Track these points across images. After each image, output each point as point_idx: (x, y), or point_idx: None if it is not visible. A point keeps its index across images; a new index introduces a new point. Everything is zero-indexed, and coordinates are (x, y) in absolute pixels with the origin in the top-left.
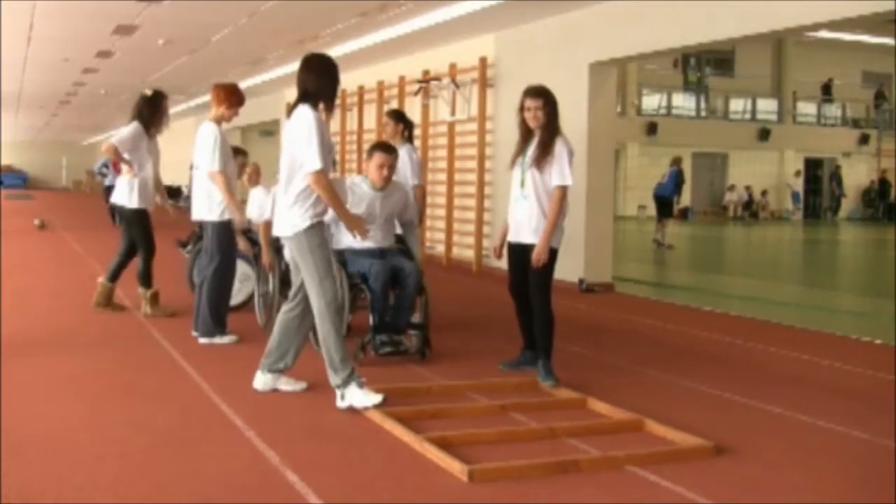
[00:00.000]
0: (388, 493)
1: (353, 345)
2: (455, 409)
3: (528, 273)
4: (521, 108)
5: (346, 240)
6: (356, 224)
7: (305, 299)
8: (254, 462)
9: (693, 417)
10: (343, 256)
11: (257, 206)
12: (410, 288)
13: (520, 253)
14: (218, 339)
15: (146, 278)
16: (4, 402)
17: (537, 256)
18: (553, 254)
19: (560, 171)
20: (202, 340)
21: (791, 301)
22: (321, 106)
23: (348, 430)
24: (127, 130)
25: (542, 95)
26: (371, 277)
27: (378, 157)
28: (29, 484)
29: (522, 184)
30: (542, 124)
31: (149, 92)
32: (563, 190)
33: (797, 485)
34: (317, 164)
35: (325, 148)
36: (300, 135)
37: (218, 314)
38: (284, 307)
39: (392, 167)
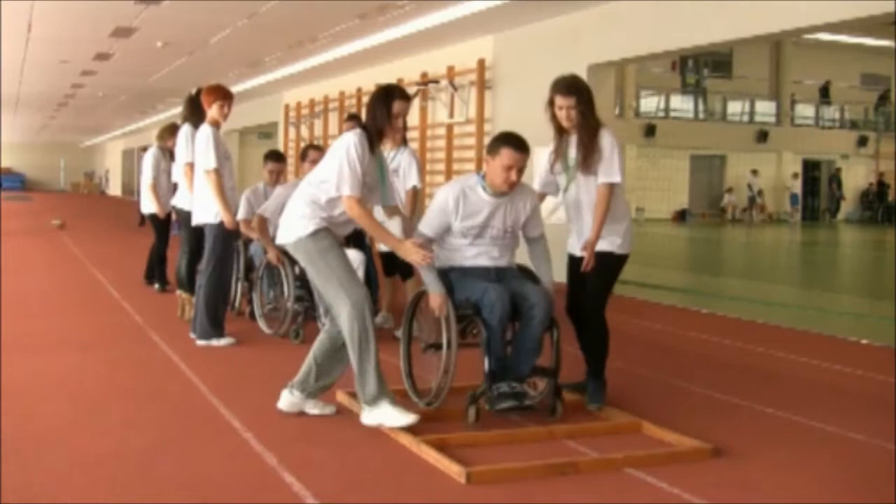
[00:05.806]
0: (386, 494)
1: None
2: (453, 411)
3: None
4: (551, 103)
5: (453, 256)
6: (409, 251)
7: None
8: (251, 463)
9: (691, 419)
10: (448, 278)
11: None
12: (537, 321)
13: (578, 266)
14: (215, 342)
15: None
16: (4, 402)
17: (586, 263)
18: (620, 262)
19: (607, 169)
20: (199, 342)
21: (787, 302)
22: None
23: (346, 432)
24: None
25: (574, 92)
26: (485, 308)
27: (507, 156)
28: (28, 484)
29: (566, 189)
30: (578, 123)
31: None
32: (610, 188)
33: (795, 486)
34: (344, 189)
35: (356, 174)
36: (332, 153)
37: (215, 316)
38: (326, 327)
39: (523, 170)
